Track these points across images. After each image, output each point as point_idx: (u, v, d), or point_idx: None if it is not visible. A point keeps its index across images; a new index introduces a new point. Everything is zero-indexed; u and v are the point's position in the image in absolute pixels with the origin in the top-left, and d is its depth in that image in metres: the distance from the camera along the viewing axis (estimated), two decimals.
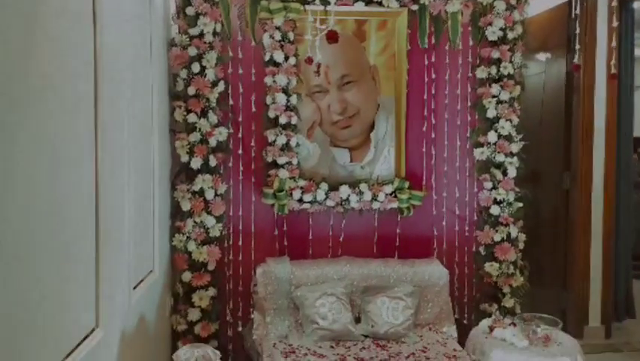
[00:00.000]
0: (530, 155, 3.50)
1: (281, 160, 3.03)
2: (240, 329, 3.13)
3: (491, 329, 2.63)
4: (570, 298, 3.93)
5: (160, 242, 2.70)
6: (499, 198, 3.07)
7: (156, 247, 2.62)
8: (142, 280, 2.35)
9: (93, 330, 1.67)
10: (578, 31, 2.41)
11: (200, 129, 2.89)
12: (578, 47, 2.36)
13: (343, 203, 3.11)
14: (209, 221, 2.96)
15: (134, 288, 2.18)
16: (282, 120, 3.01)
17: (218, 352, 2.28)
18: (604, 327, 3.91)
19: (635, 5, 3.83)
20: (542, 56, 4.12)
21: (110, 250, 1.79)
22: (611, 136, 3.86)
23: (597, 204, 3.85)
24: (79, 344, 1.55)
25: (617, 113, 3.87)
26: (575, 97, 3.84)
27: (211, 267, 2.98)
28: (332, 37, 1.90)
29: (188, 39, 2.89)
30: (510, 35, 3.04)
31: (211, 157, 2.93)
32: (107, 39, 1.76)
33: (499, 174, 3.06)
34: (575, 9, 3.42)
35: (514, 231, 3.08)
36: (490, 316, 2.83)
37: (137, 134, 2.24)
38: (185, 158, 2.92)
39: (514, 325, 2.60)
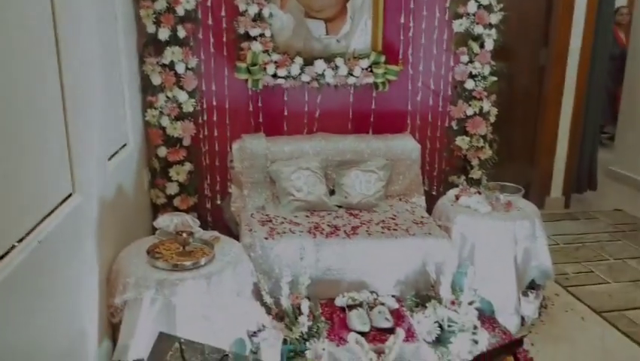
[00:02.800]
0: (509, 27, 3.42)
1: (253, 32, 2.91)
2: (218, 202, 3.23)
3: (457, 197, 2.76)
4: (535, 172, 4.12)
5: (132, 116, 2.66)
6: (474, 71, 3.05)
7: (128, 120, 2.59)
8: (116, 153, 2.35)
9: (70, 195, 1.70)
10: None
11: None
12: None
13: (318, 78, 3.06)
14: (182, 96, 2.91)
15: (109, 159, 2.19)
16: None
17: (196, 219, 2.37)
18: (564, 198, 4.16)
19: None
20: None
21: (78, 121, 1.77)
22: (592, 10, 3.77)
23: (570, 81, 3.87)
24: (57, 207, 1.59)
25: None
26: None
27: (186, 142, 2.99)
28: None
29: None
30: None
31: (179, 27, 2.80)
32: None
33: (476, 47, 3.02)
34: None
35: (486, 105, 3.11)
36: (457, 187, 2.95)
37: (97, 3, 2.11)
38: (151, 28, 2.78)
39: (479, 193, 2.74)
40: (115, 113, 2.39)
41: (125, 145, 2.55)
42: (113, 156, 2.28)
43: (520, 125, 4.13)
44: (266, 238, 2.55)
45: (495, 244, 2.51)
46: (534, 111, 4.06)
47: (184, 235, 2.14)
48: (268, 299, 2.37)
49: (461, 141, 3.16)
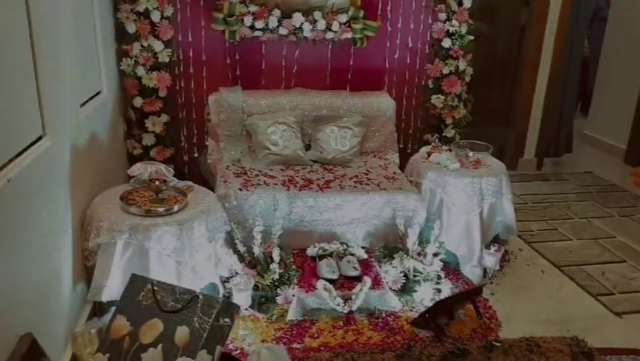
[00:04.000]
0: None
1: None
2: (195, 155, 3.25)
3: (429, 154, 2.83)
4: (510, 133, 4.19)
5: (106, 64, 2.64)
6: (452, 30, 3.06)
7: (102, 68, 2.57)
8: (90, 99, 2.34)
9: (40, 137, 1.72)
10: None
11: None
12: None
13: (296, 32, 3.04)
14: (157, 45, 2.88)
15: (82, 105, 2.19)
16: None
17: (171, 169, 2.39)
18: (537, 160, 4.26)
19: None
20: None
21: (47, 65, 1.76)
22: None
23: (549, 42, 3.90)
24: (26, 149, 1.60)
25: None
26: None
27: (162, 93, 2.98)
28: None
29: None
30: None
31: None
32: None
33: (454, 4, 3.02)
34: None
35: (462, 64, 3.14)
36: (430, 144, 3.01)
37: None
38: None
39: (450, 150, 2.80)
40: (87, 60, 2.37)
41: (98, 93, 2.53)
42: (85, 102, 2.27)
43: (499, 87, 4.18)
44: (240, 190, 2.60)
45: (462, 199, 2.59)
46: (512, 72, 4.10)
47: (157, 182, 2.17)
48: (241, 248, 2.44)
49: (436, 100, 3.20)
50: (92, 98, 2.40)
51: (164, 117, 3.01)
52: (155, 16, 2.83)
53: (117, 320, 1.80)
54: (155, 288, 1.85)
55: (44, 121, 1.74)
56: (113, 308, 1.79)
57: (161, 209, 2.10)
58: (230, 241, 2.42)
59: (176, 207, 2.13)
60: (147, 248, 2.02)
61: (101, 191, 2.28)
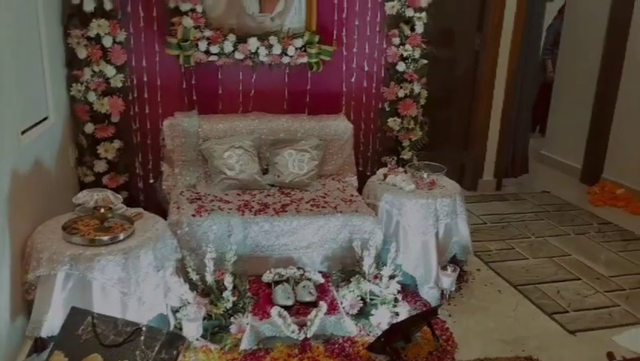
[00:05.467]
0: (445, 13, 3.49)
1: (184, 6, 2.87)
2: (151, 181, 3.18)
3: (385, 176, 2.84)
4: (469, 155, 4.26)
5: (54, 90, 2.58)
6: (405, 54, 3.11)
7: (49, 94, 2.50)
8: (33, 126, 2.27)
9: None
10: None
11: None
12: None
13: (252, 56, 3.04)
14: (109, 71, 2.84)
15: (24, 132, 2.12)
16: None
17: (119, 195, 2.33)
18: (495, 180, 4.33)
19: None
20: None
21: None
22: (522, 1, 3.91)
23: (503, 66, 4.01)
24: None
25: None
26: None
27: (115, 119, 2.93)
28: None
29: None
30: None
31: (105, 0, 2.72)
32: None
33: (407, 30, 3.08)
34: None
35: (417, 87, 3.19)
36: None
37: None
38: (76, 0, 2.69)
39: (406, 172, 2.81)
40: (32, 85, 2.31)
41: (45, 119, 2.46)
42: (30, 128, 2.20)
43: (457, 109, 4.27)
44: (193, 215, 2.54)
45: (418, 220, 2.60)
46: (469, 96, 4.19)
47: (102, 210, 2.11)
48: (194, 276, 2.37)
49: (392, 123, 3.24)
50: (37, 124, 2.33)
51: (117, 143, 2.95)
52: (107, 42, 2.79)
53: (55, 355, 1.72)
54: (95, 321, 1.78)
55: None
56: None
57: (105, 238, 2.02)
58: (182, 270, 2.36)
59: (121, 236, 2.06)
60: (90, 279, 1.94)
61: (46, 220, 2.20)
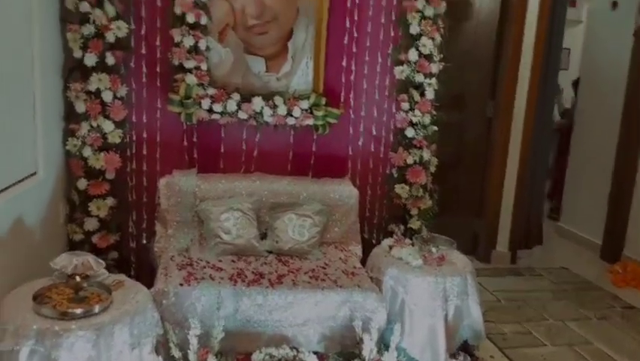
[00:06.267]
0: (458, 79, 3.41)
1: (188, 64, 2.79)
2: (144, 242, 3.02)
3: (391, 247, 2.64)
4: (482, 224, 4.06)
5: (47, 144, 2.46)
6: (415, 120, 2.99)
7: (40, 148, 2.39)
8: (17, 183, 2.14)
9: None
10: None
11: (94, 21, 2.59)
12: None
13: (257, 116, 2.94)
14: (107, 126, 2.74)
15: (2, 190, 1.98)
16: (190, 19, 2.74)
17: (101, 261, 2.14)
18: (510, 253, 4.09)
19: None
20: None
21: None
22: (537, 69, 3.83)
23: (516, 134, 3.89)
24: None
25: (545, 47, 3.83)
26: (506, 27, 3.77)
27: (110, 175, 2.79)
28: None
29: None
30: None
31: (108, 54, 2.65)
32: None
33: (416, 95, 2.97)
34: None
35: (426, 154, 3.05)
36: (393, 236, 2.83)
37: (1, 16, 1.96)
38: (78, 53, 2.63)
39: (413, 245, 2.62)
40: (19, 139, 2.20)
41: (33, 174, 2.34)
42: (10, 186, 2.07)
43: (468, 175, 4.11)
44: (181, 284, 2.35)
45: (425, 300, 2.38)
46: (481, 162, 4.05)
47: (77, 278, 1.93)
48: (176, 353, 2.14)
49: (401, 190, 3.07)
50: (22, 180, 2.20)
51: (110, 200, 2.80)
52: (107, 96, 2.70)
53: None
54: None
55: None
56: None
57: (78, 310, 1.83)
58: (164, 345, 2.14)
59: (97, 308, 1.86)
60: (55, 358, 1.73)
61: (24, 284, 2.02)
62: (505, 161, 3.91)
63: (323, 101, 2.99)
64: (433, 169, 3.12)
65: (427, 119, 3.00)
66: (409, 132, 3.02)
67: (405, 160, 3.05)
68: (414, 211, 3.09)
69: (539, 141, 4.05)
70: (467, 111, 4.00)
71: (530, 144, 3.94)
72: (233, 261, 2.65)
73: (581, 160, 4.68)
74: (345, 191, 3.01)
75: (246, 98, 2.92)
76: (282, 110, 2.94)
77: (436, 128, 3.05)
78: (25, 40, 2.22)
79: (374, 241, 3.16)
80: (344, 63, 3.03)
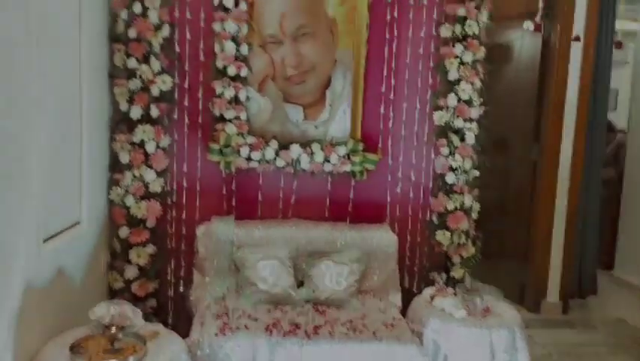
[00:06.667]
0: (501, 123, 3.34)
1: (228, 114, 2.86)
2: (182, 289, 3.02)
3: (432, 297, 2.54)
4: (530, 272, 3.87)
5: (92, 194, 2.54)
6: (455, 165, 2.93)
7: (84, 198, 2.47)
8: (60, 232, 2.20)
9: None
10: None
11: (140, 76, 2.71)
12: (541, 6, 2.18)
13: (294, 163, 2.96)
14: (149, 175, 2.81)
15: (47, 240, 2.04)
16: (231, 71, 2.83)
17: (138, 310, 2.15)
18: (561, 303, 3.86)
19: None
20: (520, 23, 3.94)
21: (9, 195, 1.64)
22: (583, 111, 3.72)
23: (564, 179, 3.74)
24: None
25: (591, 88, 3.72)
26: (548, 68, 3.70)
27: (150, 223, 2.84)
28: None
29: None
30: None
31: (152, 107, 2.75)
32: None
33: (456, 140, 2.92)
34: None
35: (468, 200, 2.96)
36: (434, 285, 2.73)
37: (55, 74, 2.07)
38: (124, 106, 2.74)
39: (456, 294, 2.51)
40: (67, 189, 2.28)
41: (77, 224, 2.41)
42: (54, 236, 2.13)
43: (513, 221, 3.96)
44: (216, 335, 2.32)
45: (469, 355, 2.25)
46: (527, 207, 3.90)
47: (113, 329, 1.93)
48: None
49: (442, 236, 2.98)
50: (66, 229, 2.27)
51: (150, 248, 2.84)
52: (150, 147, 2.79)
53: None
54: None
55: None
56: None
57: None
58: None
59: (131, 360, 1.85)
60: None
61: (64, 333, 2.04)
62: (552, 206, 3.75)
63: (360, 147, 2.98)
64: (475, 215, 3.02)
65: (467, 164, 2.94)
66: (450, 178, 2.96)
67: (445, 206, 2.97)
68: (456, 259, 2.98)
69: (589, 186, 3.88)
70: (511, 154, 3.90)
71: (579, 188, 3.77)
72: (269, 310, 2.60)
73: (634, 208, 4.43)
74: (383, 238, 2.95)
75: (284, 145, 2.95)
76: (319, 157, 2.95)
77: (477, 173, 2.97)
78: (75, 95, 2.34)
79: (414, 291, 3.05)
80: (382, 110, 3.03)
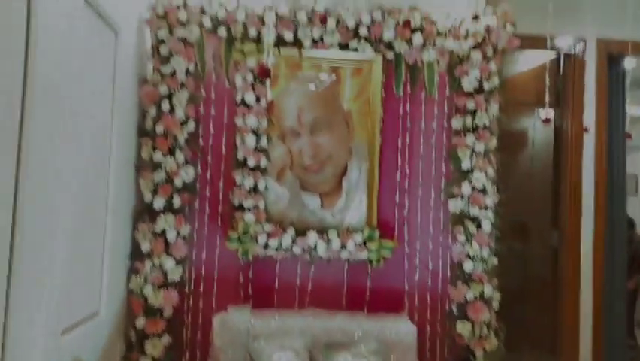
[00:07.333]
0: (518, 208, 3.35)
1: (247, 203, 2.94)
2: None
3: None
4: None
5: (111, 283, 2.58)
6: (472, 253, 2.91)
7: (104, 288, 2.50)
8: (79, 324, 2.22)
9: None
10: (548, 84, 2.34)
11: (165, 168, 2.83)
12: (547, 99, 2.28)
13: (311, 251, 2.98)
14: (169, 263, 2.85)
15: (65, 332, 2.05)
16: (251, 162, 2.95)
17: None
18: None
19: (626, 64, 3.77)
20: (532, 110, 4.07)
21: (24, 290, 1.68)
22: (601, 196, 3.72)
23: (587, 265, 3.67)
24: None
25: (607, 172, 3.75)
26: (562, 154, 3.77)
27: (167, 313, 2.84)
28: (263, 72, 1.84)
29: (160, 77, 2.88)
30: (486, 86, 2.97)
31: (175, 197, 2.85)
32: (42, 69, 1.72)
33: (472, 228, 2.92)
34: (562, 66, 3.42)
35: (488, 289, 2.90)
36: None
37: (84, 166, 2.19)
38: (148, 197, 2.85)
39: None
40: (86, 279, 2.32)
41: (95, 314, 2.42)
42: (72, 327, 2.14)
43: (537, 311, 3.84)
44: None
45: None
46: (551, 295, 3.80)
47: None
48: None
49: (462, 328, 2.89)
50: (85, 320, 2.28)
51: (166, 339, 2.81)
52: (171, 236, 2.85)
53: None
54: None
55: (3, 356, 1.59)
56: None
57: None
58: None
59: None
60: None
61: None
62: (577, 294, 3.65)
63: (376, 234, 3.00)
64: (496, 305, 2.94)
65: (485, 252, 2.91)
66: (468, 266, 2.92)
67: (465, 295, 2.91)
68: (478, 352, 2.87)
69: (613, 273, 3.78)
70: (530, 241, 3.86)
71: (604, 276, 3.68)
72: None
73: None
74: (402, 328, 2.88)
75: (301, 232, 2.98)
76: (335, 244, 2.97)
77: (496, 261, 2.93)
78: (103, 186, 2.45)
79: None
80: (397, 198, 3.07)
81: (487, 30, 2.99)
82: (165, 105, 2.86)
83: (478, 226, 2.94)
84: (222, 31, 2.96)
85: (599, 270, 3.67)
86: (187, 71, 2.91)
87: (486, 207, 2.94)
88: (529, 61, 4.06)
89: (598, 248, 3.67)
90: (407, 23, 2.99)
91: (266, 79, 2.01)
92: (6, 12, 1.54)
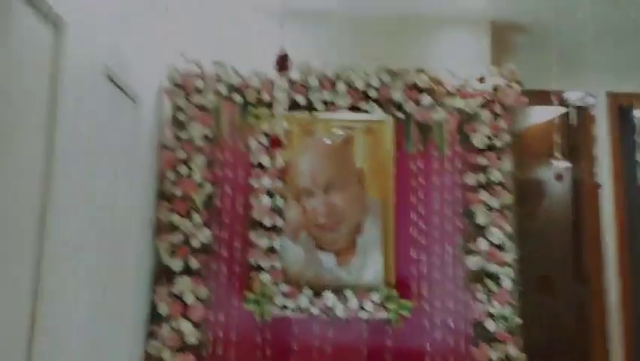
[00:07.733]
0: (539, 261, 3.28)
1: (264, 263, 2.95)
2: None
3: None
4: None
5: (129, 347, 2.58)
6: (493, 311, 2.84)
7: (123, 352, 2.50)
8: None
9: None
10: (558, 140, 2.36)
11: (182, 230, 2.88)
12: (558, 155, 2.30)
13: (328, 311, 2.95)
14: (186, 326, 2.84)
15: None
16: (267, 223, 2.98)
17: None
18: None
19: (636, 113, 3.78)
20: (549, 161, 4.07)
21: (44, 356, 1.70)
22: (624, 248, 3.64)
23: (614, 319, 3.54)
24: None
25: (626, 223, 3.68)
26: (580, 207, 3.73)
27: None
28: (275, 143, 1.91)
29: (178, 142, 2.99)
30: (497, 143, 3.00)
31: (192, 258, 2.88)
32: (66, 142, 1.81)
33: (492, 285, 2.86)
34: (577, 119, 3.46)
35: (512, 350, 2.80)
36: None
37: (107, 230, 2.25)
38: (166, 259, 2.88)
39: None
40: (108, 347, 2.32)
41: None
42: None
43: None
44: None
45: None
46: (580, 351, 3.65)
47: None
48: None
49: None
50: None
51: None
52: (188, 298, 2.86)
53: None
54: None
55: None
56: None
57: None
58: None
59: None
60: None
61: None
62: (606, 349, 3.50)
63: (395, 293, 2.96)
64: None
65: (506, 311, 2.84)
66: (490, 325, 2.85)
67: (489, 357, 2.82)
68: None
69: None
70: (555, 295, 3.76)
71: (633, 330, 3.54)
72: None
73: None
74: None
75: (317, 292, 2.96)
76: (353, 303, 2.93)
77: (519, 320, 2.85)
78: (123, 250, 2.49)
79: None
80: (414, 255, 3.05)
81: (495, 89, 3.06)
82: (183, 169, 2.95)
83: (498, 284, 2.89)
84: (237, 97, 3.09)
85: (629, 327, 3.54)
86: (204, 136, 3.01)
87: (505, 264, 2.89)
88: (543, 113, 4.10)
89: (626, 301, 3.55)
90: (414, 86, 3.08)
91: (278, 149, 2.08)
92: (32, 85, 1.65)
